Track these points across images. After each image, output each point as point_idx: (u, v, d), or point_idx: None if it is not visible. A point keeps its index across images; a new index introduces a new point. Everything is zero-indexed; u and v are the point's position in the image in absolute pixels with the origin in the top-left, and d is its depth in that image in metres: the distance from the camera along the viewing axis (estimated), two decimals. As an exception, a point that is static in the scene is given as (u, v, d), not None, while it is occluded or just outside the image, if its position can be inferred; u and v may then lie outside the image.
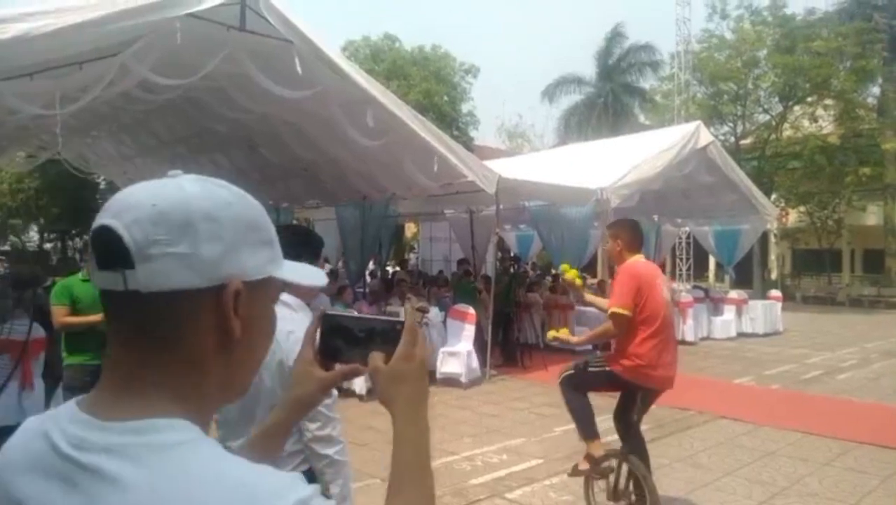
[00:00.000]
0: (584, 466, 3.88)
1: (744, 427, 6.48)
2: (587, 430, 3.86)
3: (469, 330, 8.70)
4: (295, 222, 17.98)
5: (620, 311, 3.70)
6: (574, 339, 4.27)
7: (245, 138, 9.52)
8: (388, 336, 0.91)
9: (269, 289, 0.78)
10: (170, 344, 0.69)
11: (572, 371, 3.93)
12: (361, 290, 10.56)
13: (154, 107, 7.93)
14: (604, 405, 4.04)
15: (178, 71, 6.27)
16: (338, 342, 0.94)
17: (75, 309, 4.65)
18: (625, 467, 3.91)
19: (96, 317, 4.67)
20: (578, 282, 4.09)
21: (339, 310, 8.36)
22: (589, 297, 4.26)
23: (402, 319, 0.91)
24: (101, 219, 0.68)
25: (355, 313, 0.93)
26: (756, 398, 8.11)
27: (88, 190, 23.29)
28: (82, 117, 8.08)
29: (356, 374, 0.98)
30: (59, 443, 0.67)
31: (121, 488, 0.62)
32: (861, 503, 4.49)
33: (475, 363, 8.62)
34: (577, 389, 3.91)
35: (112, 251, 0.67)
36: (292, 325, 2.00)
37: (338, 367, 0.96)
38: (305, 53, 6.43)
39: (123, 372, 0.69)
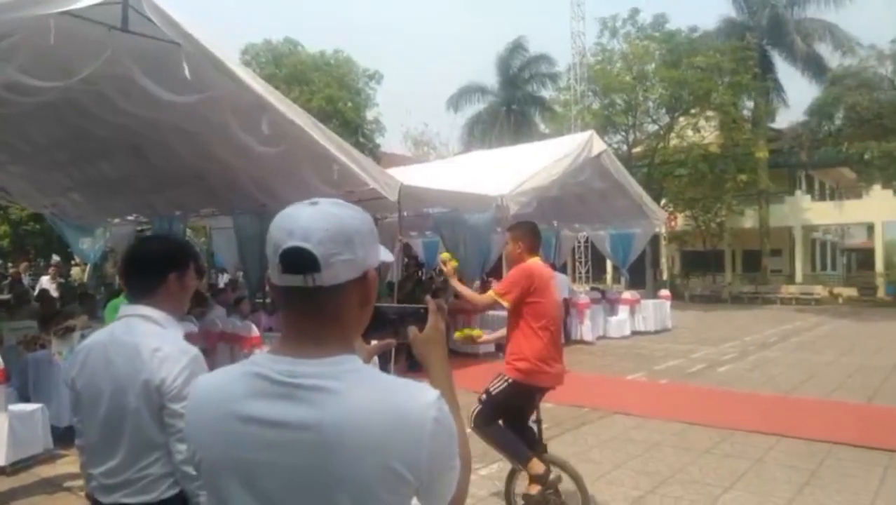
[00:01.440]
0: (536, 488, 3.77)
1: (634, 421, 6.83)
2: (520, 454, 3.81)
3: (395, 343, 8.62)
4: (190, 232, 17.23)
5: (500, 299, 3.83)
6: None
7: (131, 144, 9.00)
8: (416, 316, 1.31)
9: (378, 267, 1.16)
10: (337, 313, 1.07)
11: (479, 406, 3.87)
12: (261, 300, 10.24)
13: (27, 110, 7.34)
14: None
15: (53, 73, 5.85)
16: (375, 323, 1.25)
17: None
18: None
19: None
20: (454, 263, 4.06)
21: (236, 320, 8.09)
22: (456, 284, 4.17)
23: (424, 305, 1.32)
24: (291, 241, 1.02)
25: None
26: (646, 393, 8.57)
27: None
28: (-58, 120, 7.38)
29: (390, 345, 1.40)
30: (273, 375, 1.03)
31: (336, 395, 1.00)
32: (735, 486, 4.84)
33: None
34: (491, 421, 3.85)
35: (303, 262, 1.01)
36: (158, 341, 1.90)
37: (374, 342, 1.36)
38: (194, 56, 6.16)
39: (305, 333, 1.06)
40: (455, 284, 4.15)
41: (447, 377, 1.28)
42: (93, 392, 1.93)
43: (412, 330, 1.31)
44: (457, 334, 4.15)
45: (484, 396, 3.89)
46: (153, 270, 2.01)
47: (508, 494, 4.15)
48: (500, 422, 3.94)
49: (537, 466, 3.79)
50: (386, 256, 1.20)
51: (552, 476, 3.82)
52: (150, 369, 1.83)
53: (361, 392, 1.01)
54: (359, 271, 1.07)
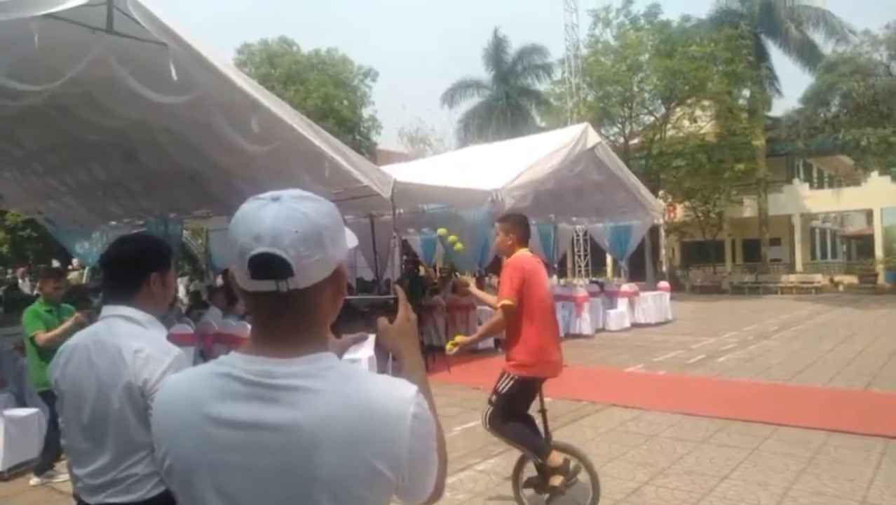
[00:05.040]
0: (559, 479, 3.83)
1: (632, 413, 6.81)
2: (539, 447, 3.89)
3: (371, 336, 8.60)
4: (187, 233, 17.21)
5: (508, 302, 3.87)
6: (469, 338, 4.24)
7: (122, 147, 8.97)
8: (386, 307, 1.42)
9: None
10: (310, 312, 1.04)
11: (491, 408, 3.93)
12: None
13: (15, 115, 7.32)
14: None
15: (37, 76, 5.82)
16: (346, 316, 1.26)
17: None
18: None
19: None
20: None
21: (231, 321, 8.08)
22: (479, 294, 4.31)
23: (392, 296, 1.34)
24: (259, 247, 0.97)
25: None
26: (644, 384, 8.55)
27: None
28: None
29: (363, 338, 1.40)
30: (246, 376, 1.00)
31: (312, 393, 0.97)
32: (731, 475, 4.82)
33: (377, 369, 8.56)
34: (507, 419, 3.90)
35: (275, 268, 0.97)
36: (140, 342, 1.89)
37: (345, 336, 1.34)
38: (181, 56, 6.13)
39: (278, 334, 1.03)
40: (478, 294, 4.27)
41: (421, 368, 1.26)
42: (76, 394, 1.93)
43: (382, 321, 1.28)
44: (448, 346, 4.19)
45: (494, 397, 3.95)
46: (134, 270, 2.00)
47: (516, 484, 4.18)
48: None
49: (557, 457, 3.86)
50: (351, 240, 1.15)
51: (572, 465, 3.89)
52: (132, 371, 1.83)
53: (338, 390, 0.99)
54: (331, 269, 1.04)
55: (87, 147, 9.13)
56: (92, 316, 5.00)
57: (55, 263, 20.38)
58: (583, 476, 3.99)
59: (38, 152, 9.64)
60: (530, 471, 4.11)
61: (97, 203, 12.02)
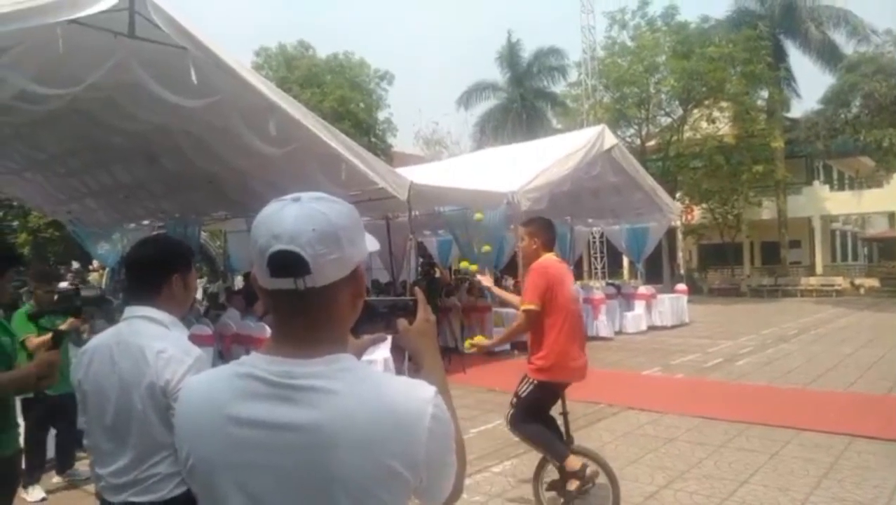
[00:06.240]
0: (574, 484, 3.86)
1: (649, 416, 6.76)
2: (558, 450, 3.92)
3: (388, 337, 8.61)
4: (206, 235, 17.38)
5: (531, 306, 3.88)
6: (488, 342, 4.34)
7: (143, 150, 9.10)
8: (405, 308, 1.31)
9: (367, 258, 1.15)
10: (329, 312, 1.05)
11: (512, 410, 3.98)
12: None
13: (39, 119, 7.45)
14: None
15: (61, 81, 5.91)
16: (366, 317, 1.21)
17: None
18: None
19: None
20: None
21: (250, 322, 8.14)
22: (499, 292, 4.37)
23: (412, 297, 1.32)
24: (278, 244, 0.99)
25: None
26: (661, 388, 8.49)
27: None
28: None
29: (382, 339, 1.45)
30: (267, 377, 1.01)
31: (332, 394, 0.98)
32: (751, 480, 4.77)
33: (393, 370, 8.58)
34: (528, 421, 3.94)
35: (293, 266, 0.98)
36: (163, 343, 1.91)
37: (363, 337, 1.35)
38: (201, 60, 6.21)
39: (297, 334, 1.04)
40: (500, 292, 4.32)
41: (440, 369, 1.26)
42: (99, 393, 1.95)
43: (402, 322, 1.29)
44: (466, 344, 4.25)
45: (514, 400, 3.99)
46: (156, 272, 2.02)
47: (537, 485, 4.20)
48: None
49: (575, 462, 3.87)
50: (372, 245, 1.16)
51: (589, 471, 3.89)
52: (154, 371, 1.85)
53: (357, 391, 1.00)
54: (348, 269, 1.04)
55: (110, 150, 9.27)
56: (90, 321, 4.96)
57: (75, 265, 20.69)
58: (602, 479, 3.99)
59: (60, 155, 9.80)
60: (552, 473, 4.12)
61: (119, 205, 12.19)
